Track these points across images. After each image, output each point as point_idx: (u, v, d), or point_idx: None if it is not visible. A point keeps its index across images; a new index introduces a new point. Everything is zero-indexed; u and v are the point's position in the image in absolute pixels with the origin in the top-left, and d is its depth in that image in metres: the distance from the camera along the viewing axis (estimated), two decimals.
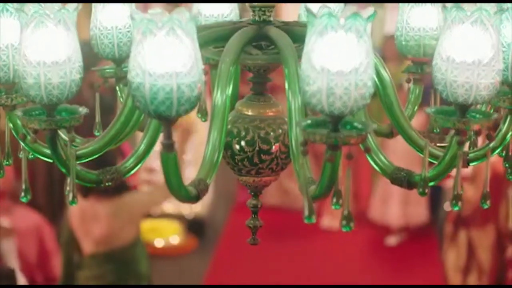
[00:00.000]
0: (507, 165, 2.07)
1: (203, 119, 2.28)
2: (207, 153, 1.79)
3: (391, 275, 7.69)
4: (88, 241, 4.98)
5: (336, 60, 1.48)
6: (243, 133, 1.97)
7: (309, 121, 1.57)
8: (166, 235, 6.15)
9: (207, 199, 8.76)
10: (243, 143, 1.97)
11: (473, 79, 1.69)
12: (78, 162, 1.82)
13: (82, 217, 4.96)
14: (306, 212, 1.57)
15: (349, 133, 1.53)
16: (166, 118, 1.54)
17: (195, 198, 1.73)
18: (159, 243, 7.97)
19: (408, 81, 2.24)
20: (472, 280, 6.63)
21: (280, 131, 1.96)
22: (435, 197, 7.97)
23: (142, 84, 1.51)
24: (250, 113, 2.00)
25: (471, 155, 1.98)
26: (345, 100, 1.49)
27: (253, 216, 2.10)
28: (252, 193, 2.10)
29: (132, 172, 1.91)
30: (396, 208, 7.97)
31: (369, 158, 1.90)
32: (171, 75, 1.50)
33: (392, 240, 8.13)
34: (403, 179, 1.87)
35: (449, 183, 6.76)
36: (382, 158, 1.92)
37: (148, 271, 5.18)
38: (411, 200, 7.92)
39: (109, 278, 4.98)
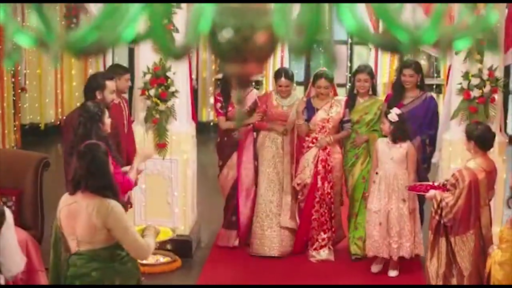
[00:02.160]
0: None
1: None
2: None
3: None
4: (73, 240, 5.07)
5: None
6: (229, 22, 2.02)
7: None
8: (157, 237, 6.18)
9: (191, 220, 8.88)
10: (229, 32, 2.02)
11: None
12: None
13: (68, 215, 5.05)
14: None
15: None
16: None
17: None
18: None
19: None
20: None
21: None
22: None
23: None
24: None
25: None
26: None
27: None
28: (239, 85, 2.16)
29: None
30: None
31: None
32: None
33: (375, 268, 8.09)
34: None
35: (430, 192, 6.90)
36: None
37: (135, 269, 5.22)
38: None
39: (95, 277, 5.04)
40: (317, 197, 8.34)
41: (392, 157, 7.78)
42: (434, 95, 10.43)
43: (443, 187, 6.94)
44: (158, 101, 8.35)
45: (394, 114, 7.70)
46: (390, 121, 7.71)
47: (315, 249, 8.40)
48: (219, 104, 8.66)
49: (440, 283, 6.77)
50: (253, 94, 8.74)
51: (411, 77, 8.24)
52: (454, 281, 6.75)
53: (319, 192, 8.32)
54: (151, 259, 8.32)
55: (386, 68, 13.97)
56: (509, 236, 5.57)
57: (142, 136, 8.35)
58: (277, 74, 8.65)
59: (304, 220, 8.47)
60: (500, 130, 8.42)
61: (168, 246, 8.57)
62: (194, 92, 9.51)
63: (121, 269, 5.11)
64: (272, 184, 8.52)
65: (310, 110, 8.37)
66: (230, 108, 8.56)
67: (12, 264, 5.27)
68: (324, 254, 8.38)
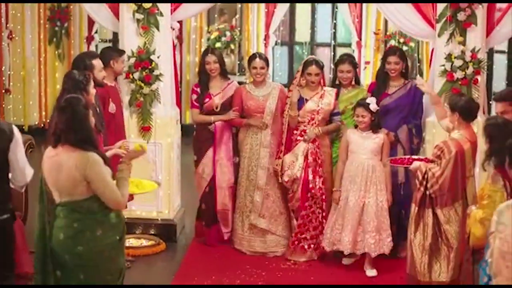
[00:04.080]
0: None
1: None
2: None
3: None
4: (56, 191, 5.10)
5: None
6: None
7: None
8: (143, 189, 6.15)
9: (175, 204, 8.86)
10: None
11: None
12: None
13: (51, 167, 5.08)
14: None
15: None
16: None
17: None
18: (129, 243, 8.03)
19: None
20: (441, 257, 6.71)
21: None
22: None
23: None
24: None
25: None
26: None
27: None
28: None
29: None
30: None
31: None
32: None
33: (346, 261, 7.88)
34: None
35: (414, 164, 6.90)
36: None
37: (118, 221, 5.20)
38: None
39: (77, 228, 5.04)
40: (308, 193, 7.94)
41: (367, 148, 7.60)
42: None
43: (426, 159, 6.95)
44: (142, 84, 8.37)
45: (374, 104, 7.57)
46: (372, 112, 7.56)
47: (301, 248, 7.99)
48: (194, 96, 8.33)
49: (426, 256, 6.70)
50: (233, 87, 8.38)
51: (396, 65, 8.05)
52: (441, 254, 6.71)
53: (309, 186, 7.91)
54: (135, 242, 8.34)
55: (369, 68, 14.01)
56: (490, 192, 5.55)
57: (127, 120, 8.34)
58: (251, 58, 8.34)
59: (302, 220, 8.00)
60: (484, 113, 8.45)
61: (152, 231, 8.60)
62: (179, 94, 9.35)
63: (103, 220, 5.11)
64: (252, 184, 8.19)
65: (299, 100, 8.02)
66: (207, 100, 8.26)
67: (22, 176, 5.50)
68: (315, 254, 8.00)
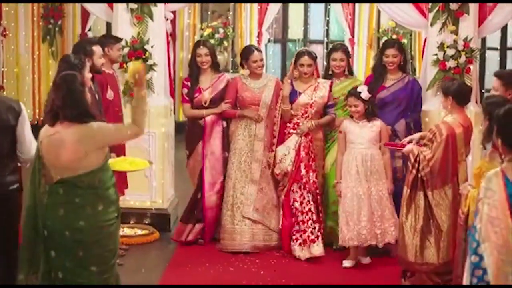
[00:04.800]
0: None
1: None
2: None
3: None
4: (56, 168, 5.07)
5: None
6: None
7: None
8: (136, 166, 6.18)
9: (169, 194, 8.88)
10: None
11: None
12: None
13: (50, 145, 5.07)
14: None
15: None
16: None
17: None
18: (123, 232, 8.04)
19: None
20: (432, 239, 6.74)
21: None
22: None
23: None
24: None
25: None
26: None
27: None
28: None
29: None
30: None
31: None
32: None
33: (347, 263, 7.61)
34: None
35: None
36: None
37: (117, 199, 5.23)
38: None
39: (79, 203, 5.05)
40: (301, 187, 7.83)
41: (365, 138, 7.49)
42: None
43: (420, 144, 6.98)
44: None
45: (366, 92, 7.45)
46: (365, 101, 7.45)
47: (300, 244, 7.79)
48: (185, 90, 8.18)
49: (417, 238, 6.74)
50: (224, 80, 8.22)
51: (394, 57, 7.91)
52: (432, 236, 6.75)
53: (303, 181, 7.80)
54: (129, 232, 8.34)
55: (362, 65, 14.06)
56: (487, 170, 5.58)
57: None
58: (247, 51, 8.19)
59: (288, 214, 7.91)
60: (476, 102, 8.49)
61: (146, 220, 8.62)
62: (173, 90, 9.36)
63: (104, 195, 5.12)
64: (244, 175, 8.06)
65: (292, 93, 7.93)
66: (197, 94, 8.12)
67: (29, 150, 5.52)
68: (315, 249, 7.74)
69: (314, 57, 8.00)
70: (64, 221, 5.06)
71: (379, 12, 14.17)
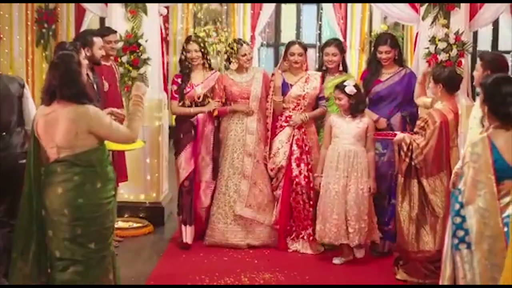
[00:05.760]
0: None
1: None
2: None
3: None
4: (52, 148, 5.12)
5: None
6: None
7: None
8: (130, 145, 6.20)
9: (163, 188, 8.92)
10: None
11: None
12: None
13: (46, 124, 5.12)
14: None
15: None
16: None
17: None
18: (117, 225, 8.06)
19: None
20: (428, 227, 6.79)
21: None
22: None
23: None
24: None
25: None
26: None
27: None
28: None
29: None
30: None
31: None
32: None
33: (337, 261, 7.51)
34: None
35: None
36: None
37: (113, 175, 5.28)
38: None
39: (77, 181, 5.09)
40: (294, 182, 7.75)
41: (350, 133, 7.37)
42: None
43: (409, 133, 7.03)
44: (130, 68, 8.47)
45: (351, 86, 7.33)
46: (349, 95, 7.33)
47: (292, 239, 7.82)
48: (174, 87, 7.95)
49: (413, 226, 6.76)
50: (215, 77, 8.01)
51: (388, 54, 7.73)
52: (428, 223, 6.78)
53: (293, 174, 7.72)
54: (124, 224, 8.39)
55: (354, 68, 14.13)
56: None
57: None
58: (237, 46, 8.01)
59: (283, 210, 7.82)
60: (468, 95, 8.57)
61: (141, 214, 8.66)
62: (167, 91, 9.40)
63: (102, 173, 5.16)
64: (237, 172, 7.90)
65: (283, 86, 7.80)
66: (188, 89, 7.90)
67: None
68: (304, 246, 7.78)
69: (304, 47, 7.91)
70: (63, 199, 5.10)
71: (371, 16, 14.29)
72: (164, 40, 13.55)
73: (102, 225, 5.20)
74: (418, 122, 6.86)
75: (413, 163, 6.74)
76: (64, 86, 5.08)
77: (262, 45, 14.94)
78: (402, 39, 13.94)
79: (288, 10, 15.45)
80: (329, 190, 7.38)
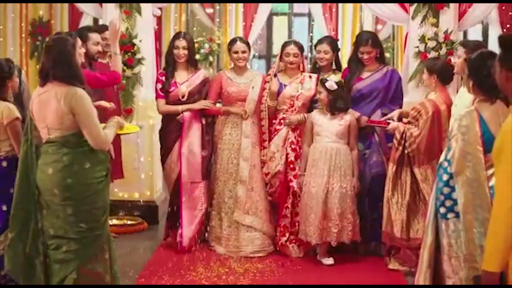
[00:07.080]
0: None
1: None
2: None
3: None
4: (44, 128, 5.25)
5: None
6: None
7: None
8: (126, 130, 6.21)
9: (157, 186, 8.98)
10: None
11: None
12: None
13: (39, 104, 5.24)
14: None
15: None
16: None
17: None
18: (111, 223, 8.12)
19: None
20: (419, 215, 6.86)
21: None
22: None
23: None
24: None
25: None
26: None
27: None
28: None
29: None
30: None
31: None
32: None
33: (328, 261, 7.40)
34: None
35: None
36: None
37: (105, 158, 5.36)
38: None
39: (66, 161, 5.19)
40: (287, 186, 7.60)
41: (332, 131, 7.29)
42: None
43: (403, 122, 7.13)
44: (125, 68, 8.56)
45: (332, 82, 7.25)
46: (329, 90, 7.25)
47: (291, 242, 7.64)
48: (159, 85, 7.71)
49: (405, 213, 6.84)
50: (199, 75, 7.77)
51: (369, 54, 7.62)
52: (419, 211, 6.85)
53: (287, 179, 7.59)
54: (118, 222, 8.44)
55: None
56: None
57: None
58: (231, 42, 7.81)
59: (280, 214, 7.68)
60: (457, 92, 8.63)
61: (135, 212, 8.72)
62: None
63: (91, 155, 5.25)
64: (232, 177, 7.71)
65: (278, 86, 7.66)
66: (173, 88, 7.67)
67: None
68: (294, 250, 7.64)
69: (300, 47, 7.73)
70: (53, 179, 5.21)
71: (361, 27, 14.40)
72: (156, 51, 13.72)
73: (92, 205, 5.29)
74: (411, 112, 6.95)
75: (406, 152, 6.85)
76: (57, 67, 5.20)
77: (254, 56, 15.02)
78: (393, 49, 14.05)
79: (280, 22, 15.61)
80: (309, 189, 7.29)
